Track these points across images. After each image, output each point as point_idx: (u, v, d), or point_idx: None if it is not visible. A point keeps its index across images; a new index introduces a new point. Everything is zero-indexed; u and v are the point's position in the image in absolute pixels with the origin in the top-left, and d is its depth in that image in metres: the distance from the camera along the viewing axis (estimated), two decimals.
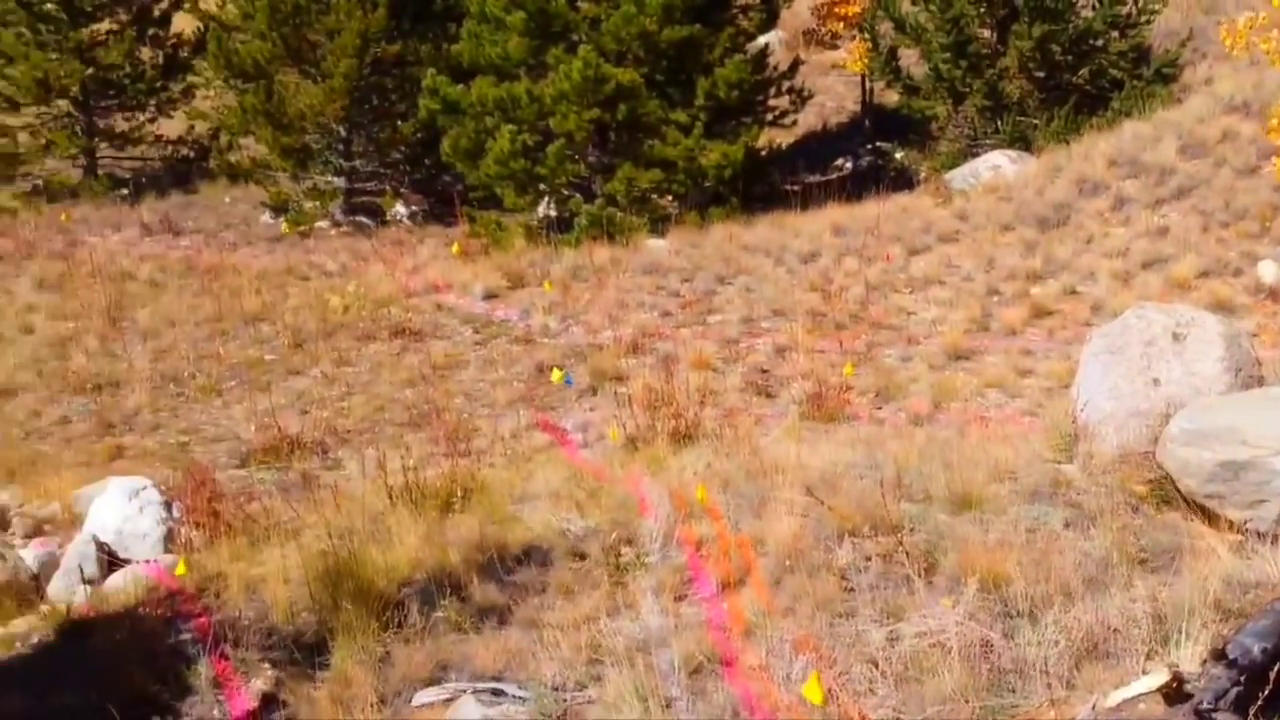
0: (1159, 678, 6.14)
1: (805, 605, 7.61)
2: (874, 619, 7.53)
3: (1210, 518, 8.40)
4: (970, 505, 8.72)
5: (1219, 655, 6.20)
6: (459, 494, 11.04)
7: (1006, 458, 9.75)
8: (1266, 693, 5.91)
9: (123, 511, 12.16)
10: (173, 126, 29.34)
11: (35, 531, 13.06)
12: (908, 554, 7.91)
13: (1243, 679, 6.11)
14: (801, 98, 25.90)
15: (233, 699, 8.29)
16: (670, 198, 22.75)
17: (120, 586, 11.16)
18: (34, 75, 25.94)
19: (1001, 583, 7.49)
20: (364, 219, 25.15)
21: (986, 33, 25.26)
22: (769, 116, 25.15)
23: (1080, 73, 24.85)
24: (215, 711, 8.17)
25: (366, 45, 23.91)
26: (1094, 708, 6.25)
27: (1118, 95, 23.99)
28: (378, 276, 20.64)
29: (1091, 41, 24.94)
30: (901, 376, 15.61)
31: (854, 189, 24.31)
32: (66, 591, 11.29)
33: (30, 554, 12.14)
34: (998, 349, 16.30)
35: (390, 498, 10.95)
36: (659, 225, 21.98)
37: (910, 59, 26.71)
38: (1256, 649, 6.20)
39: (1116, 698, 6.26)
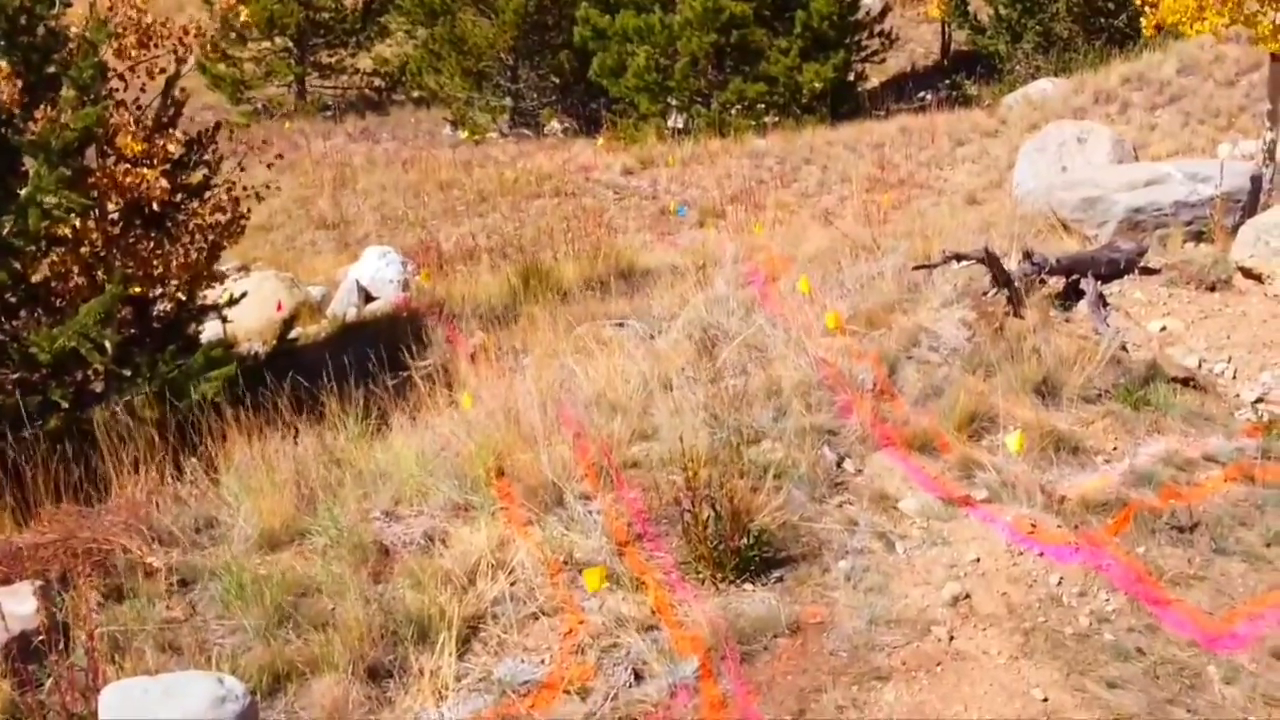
0: (979, 252, 11.59)
1: (814, 276, 12.97)
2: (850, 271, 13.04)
3: (1074, 234, 13.80)
4: (931, 238, 14.12)
5: (1027, 255, 11.63)
6: (603, 254, 16.77)
7: (968, 217, 15.22)
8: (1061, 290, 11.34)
9: (375, 265, 18.09)
10: (366, 62, 35.51)
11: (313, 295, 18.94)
12: (883, 254, 13.31)
13: (1039, 272, 11.58)
14: (890, 40, 31.40)
15: (459, 345, 14.03)
16: (771, 109, 28.32)
17: (377, 308, 17.22)
18: (263, 15, 32.18)
19: (929, 256, 12.88)
20: (526, 131, 31.03)
21: None
22: (861, 54, 30.67)
23: (1119, 17, 30.06)
24: (447, 355, 13.81)
25: None
26: (943, 253, 11.65)
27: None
28: (540, 161, 26.49)
29: None
30: (928, 214, 21.09)
31: (928, 111, 29.71)
32: (340, 311, 17.26)
33: (314, 289, 18.14)
34: (1005, 197, 21.74)
35: (556, 258, 16.67)
36: (762, 129, 27.57)
37: (978, 4, 32.13)
38: (1053, 259, 11.63)
39: (954, 264, 11.75)
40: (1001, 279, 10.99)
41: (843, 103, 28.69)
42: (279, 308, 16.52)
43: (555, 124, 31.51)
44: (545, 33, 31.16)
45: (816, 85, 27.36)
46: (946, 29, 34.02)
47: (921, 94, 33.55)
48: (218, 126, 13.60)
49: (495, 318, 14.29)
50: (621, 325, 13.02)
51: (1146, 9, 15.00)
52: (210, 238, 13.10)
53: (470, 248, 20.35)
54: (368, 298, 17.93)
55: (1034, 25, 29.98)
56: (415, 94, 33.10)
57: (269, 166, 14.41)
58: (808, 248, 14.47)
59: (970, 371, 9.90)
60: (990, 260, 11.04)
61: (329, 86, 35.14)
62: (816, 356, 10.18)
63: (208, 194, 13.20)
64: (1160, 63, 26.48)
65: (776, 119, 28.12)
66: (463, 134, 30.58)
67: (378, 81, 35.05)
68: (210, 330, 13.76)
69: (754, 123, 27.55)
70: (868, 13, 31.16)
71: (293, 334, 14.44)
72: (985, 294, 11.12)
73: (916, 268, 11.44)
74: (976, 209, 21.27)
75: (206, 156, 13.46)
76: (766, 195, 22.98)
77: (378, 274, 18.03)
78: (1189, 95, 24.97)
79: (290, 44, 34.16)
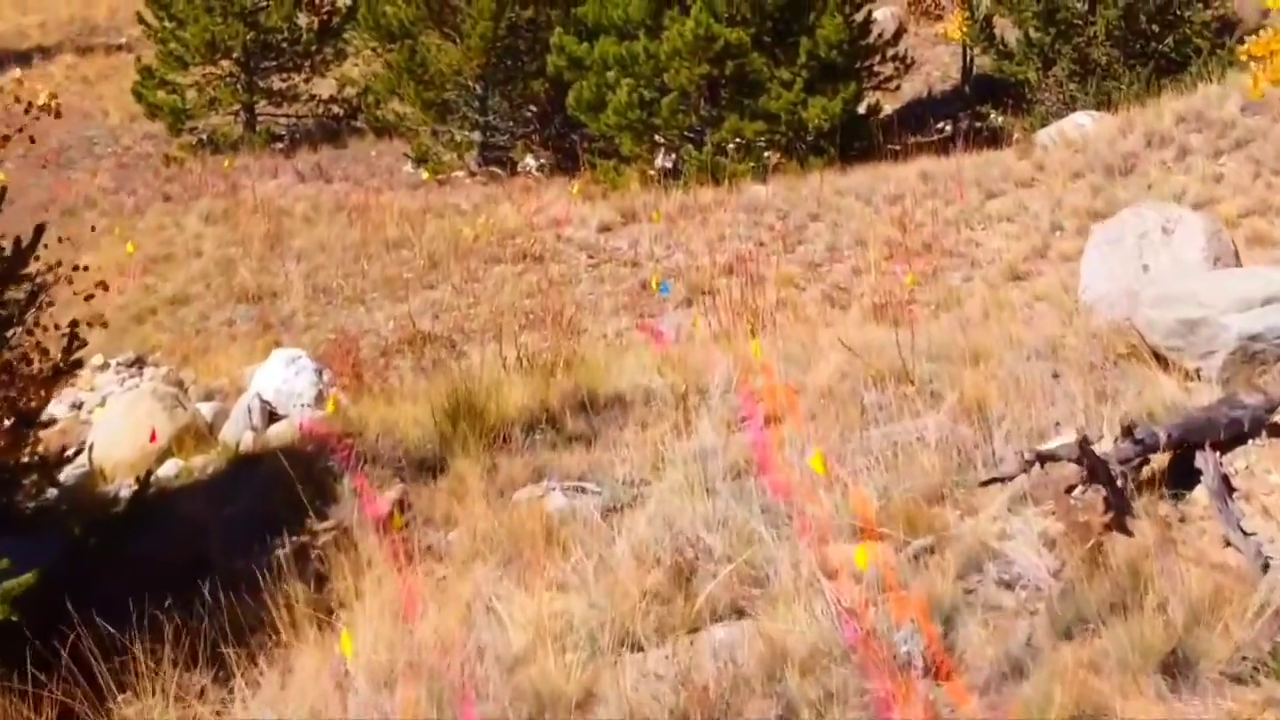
0: (1069, 438, 8.12)
1: (830, 426, 9.63)
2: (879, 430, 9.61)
3: (1171, 367, 10.36)
4: (978, 362, 10.74)
5: (1127, 432, 8.18)
6: (562, 364, 13.31)
7: (1019, 332, 11.79)
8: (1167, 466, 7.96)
9: (282, 375, 14.64)
10: (325, 86, 32.01)
11: (208, 397, 15.57)
12: (918, 390, 9.94)
13: (1146, 453, 8.13)
14: (905, 64, 27.89)
15: (369, 505, 10.61)
16: (773, 149, 24.87)
17: (279, 433, 13.70)
18: (203, 37, 28.70)
19: (983, 404, 9.49)
20: (496, 169, 27.56)
21: (1076, 2, 27.06)
22: (874, 80, 27.16)
23: (1165, 41, 26.55)
24: (356, 515, 10.45)
25: (502, 9, 26.28)
26: (1020, 456, 8.24)
27: (1197, 61, 25.67)
28: (506, 213, 23.03)
29: (1177, 12, 26.65)
30: (960, 292, 17.63)
31: (950, 148, 26.23)
32: (234, 436, 13.82)
33: (205, 407, 14.71)
34: (1052, 271, 18.27)
35: (505, 368, 13.22)
36: (761, 172, 24.09)
37: (1004, 26, 28.60)
38: (1162, 434, 8.18)
39: (1036, 450, 8.28)
40: (1099, 475, 7.68)
41: (854, 139, 25.20)
42: (153, 438, 13.30)
43: (530, 160, 28.05)
44: (518, 58, 27.68)
45: (824, 123, 23.87)
46: (968, 52, 30.52)
47: (941, 124, 30.08)
48: (39, 233, 9.98)
49: (420, 461, 10.92)
50: (576, 490, 9.78)
51: (1252, 64, 11.44)
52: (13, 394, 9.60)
53: (408, 336, 16.94)
54: (271, 416, 14.52)
55: (1068, 50, 26.50)
56: (379, 116, 29.57)
57: (88, 300, 10.80)
58: (819, 373, 11.02)
59: (1063, 633, 6.64)
60: (1087, 456, 7.71)
61: (282, 114, 31.65)
62: (838, 604, 6.93)
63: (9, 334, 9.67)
64: (1221, 99, 22.97)
65: (778, 160, 24.65)
66: (424, 173, 27.09)
67: (336, 109, 31.55)
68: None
69: (753, 165, 24.08)
70: (880, 34, 27.62)
71: (171, 470, 11.92)
72: (1072, 490, 7.75)
73: (985, 482, 8.05)
74: (1020, 287, 17.83)
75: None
76: (767, 263, 19.52)
77: (285, 385, 14.59)
78: (1258, 139, 21.45)
79: (236, 68, 30.66)
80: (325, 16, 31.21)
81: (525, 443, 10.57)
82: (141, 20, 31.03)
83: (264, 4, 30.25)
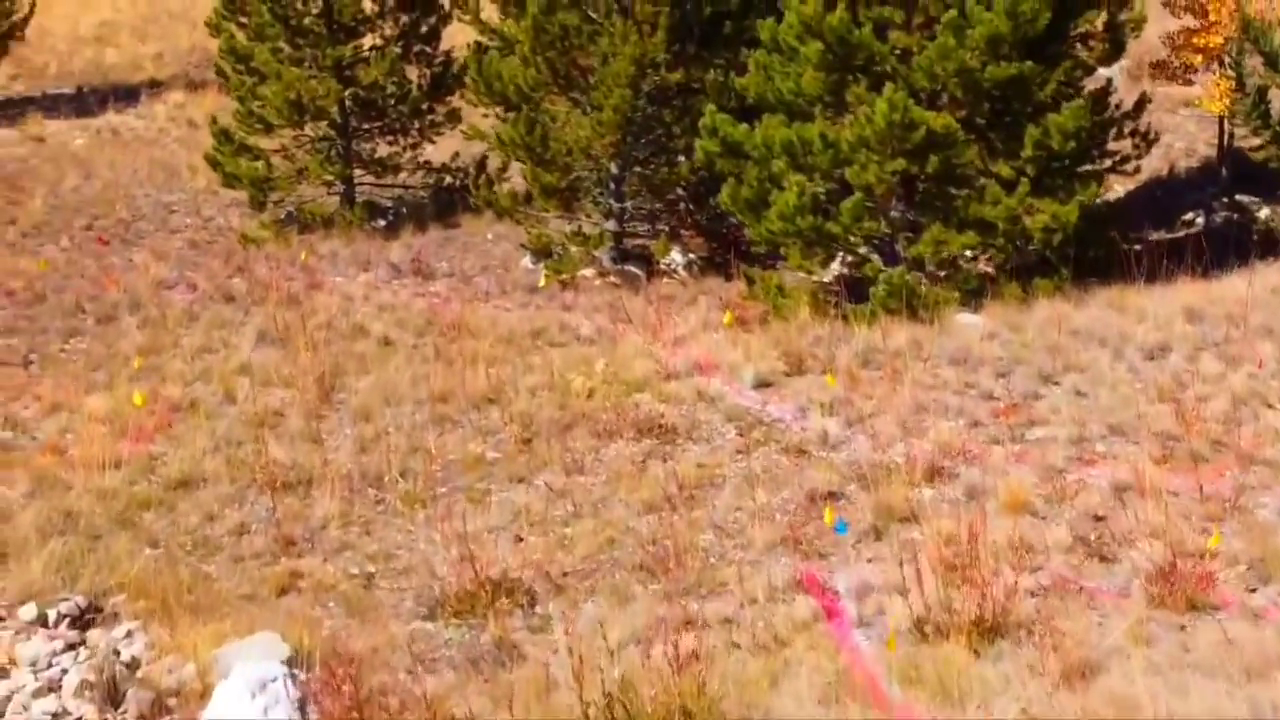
0: None
1: None
2: None
3: None
4: None
5: None
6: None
7: None
8: None
9: (245, 710, 9.38)
10: (437, 151, 26.91)
11: (154, 710, 10.42)
12: None
13: None
14: (1147, 141, 21.93)
15: None
16: (986, 264, 19.24)
17: None
18: (286, 95, 23.70)
19: None
20: (633, 268, 22.23)
21: None
22: (1107, 163, 21.29)
23: None
24: None
25: (643, 73, 20.96)
26: None
27: None
28: (634, 349, 17.63)
29: None
30: None
31: (1209, 254, 20.32)
32: None
33: None
34: None
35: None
36: (971, 298, 18.47)
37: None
38: None
39: None
40: None
41: (1089, 248, 19.36)
42: None
43: (675, 255, 22.66)
44: (662, 132, 22.34)
45: (1055, 235, 18.17)
46: (1227, 127, 24.46)
47: (1189, 215, 24.16)
48: None
49: None
50: None
51: None
52: None
53: (471, 586, 11.65)
54: None
55: None
56: (492, 195, 24.25)
57: None
58: None
59: None
60: None
61: (384, 185, 26.59)
62: None
63: None
64: None
65: (993, 278, 18.98)
66: (543, 277, 21.78)
67: (449, 179, 26.39)
68: None
69: (960, 289, 18.44)
70: (1117, 106, 21.68)
71: None
72: None
73: None
74: None
75: None
76: (985, 458, 13.90)
77: None
78: None
79: (330, 132, 25.62)
80: (438, 69, 26.03)
81: None
82: (219, 72, 26.19)
83: (363, 55, 25.17)
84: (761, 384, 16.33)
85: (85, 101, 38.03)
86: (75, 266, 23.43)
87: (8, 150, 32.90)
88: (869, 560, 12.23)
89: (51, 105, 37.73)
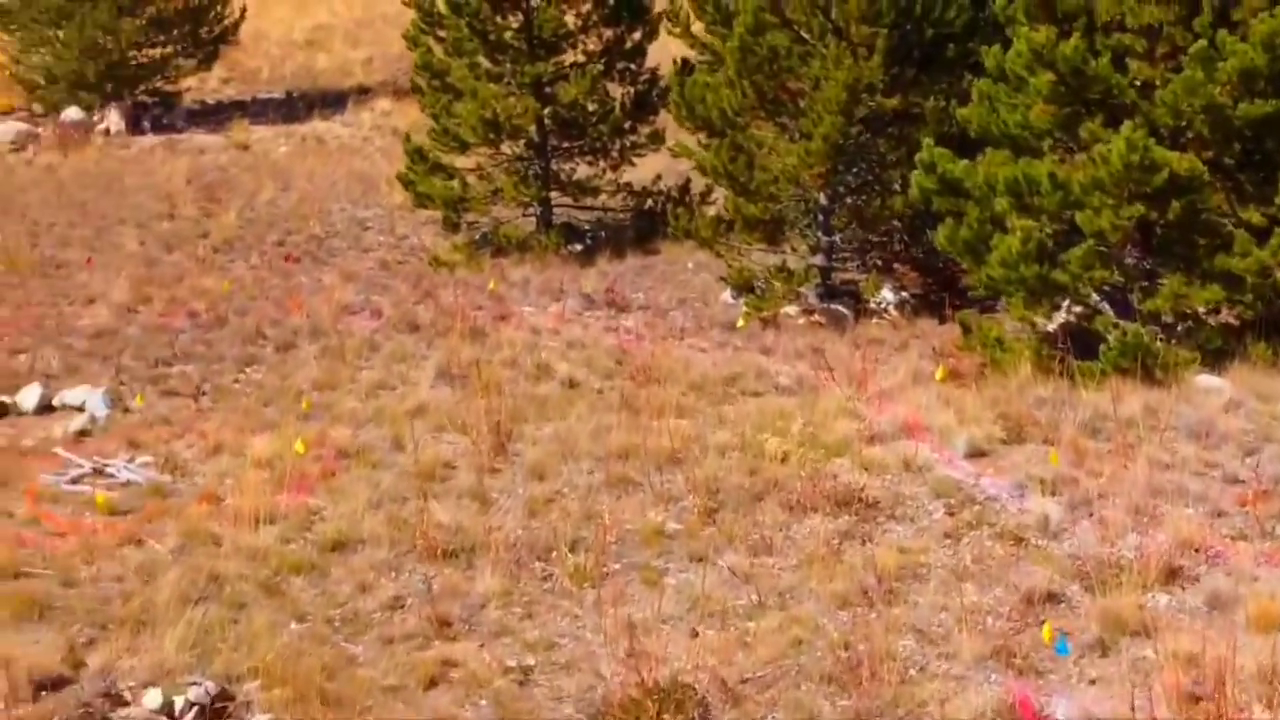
0: None
1: None
2: None
3: None
4: None
5: None
6: None
7: None
8: None
9: None
10: (639, 172, 25.74)
11: None
12: None
13: None
14: None
15: None
16: (1231, 321, 17.42)
17: None
18: (481, 113, 22.72)
19: None
20: (840, 307, 20.77)
21: None
22: None
23: None
24: None
25: (856, 99, 19.50)
26: None
27: None
28: (835, 404, 16.18)
29: None
30: None
31: None
32: None
33: None
34: None
35: None
36: (1214, 359, 16.66)
37: None
38: None
39: None
40: None
41: None
42: None
43: (887, 293, 21.15)
44: (878, 159, 20.85)
45: None
46: None
47: None
48: None
49: None
50: None
51: None
52: None
53: (637, 692, 10.35)
54: None
55: None
56: (690, 223, 23.00)
57: None
58: None
59: None
60: None
61: (582, 208, 25.49)
62: None
63: None
64: None
65: (1238, 339, 17.14)
66: (742, 318, 20.43)
67: (650, 203, 25.19)
68: None
69: (1200, 350, 16.64)
70: None
71: None
72: None
73: None
74: None
75: None
76: (1231, 557, 12.20)
77: None
78: None
79: (527, 152, 24.58)
80: (643, 87, 24.84)
81: None
82: (415, 88, 25.34)
83: (564, 72, 24.07)
84: (975, 453, 14.74)
85: (293, 107, 37.89)
86: (262, 286, 22.82)
87: (211, 158, 32.72)
88: (1092, 682, 10.64)
89: (260, 111, 37.65)
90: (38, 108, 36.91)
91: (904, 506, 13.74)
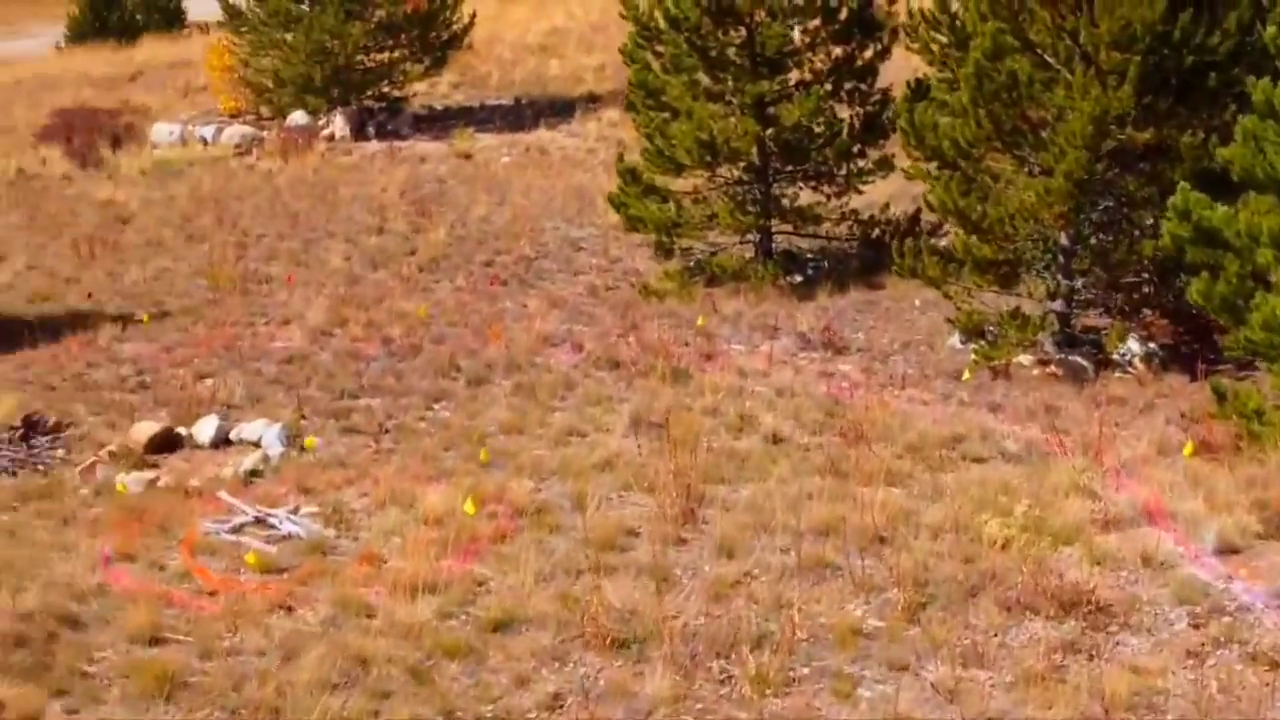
0: None
1: None
2: None
3: None
4: None
5: None
6: None
7: None
8: None
9: None
10: (867, 200, 24.13)
11: None
12: None
13: None
14: None
15: None
16: None
17: None
18: (697, 135, 21.36)
19: None
20: (1079, 358, 18.89)
21: None
22: None
23: None
24: None
25: (1104, 131, 17.64)
26: None
27: None
28: (1068, 479, 14.45)
29: None
30: None
31: None
32: None
33: None
34: None
35: None
36: None
37: None
38: None
39: None
40: None
41: None
42: None
43: (1133, 344, 19.19)
44: (1126, 198, 18.96)
45: None
46: None
47: None
48: None
49: None
50: None
51: None
52: None
53: None
54: None
55: None
56: (917, 260, 21.27)
57: None
58: None
59: None
60: None
61: (804, 235, 23.99)
62: None
63: None
64: None
65: None
66: (968, 368, 18.73)
67: (877, 232, 23.57)
68: None
69: None
70: None
71: None
72: None
73: None
74: None
75: None
76: None
77: None
78: None
79: (747, 175, 23.18)
80: (873, 108, 23.22)
81: None
82: (629, 106, 24.10)
83: (787, 92, 22.58)
84: (1227, 548, 12.92)
85: (521, 115, 37.18)
86: (463, 311, 21.84)
87: (431, 168, 32.04)
88: None
89: (486, 118, 37.01)
90: (265, 110, 36.76)
91: (1140, 614, 12.03)
